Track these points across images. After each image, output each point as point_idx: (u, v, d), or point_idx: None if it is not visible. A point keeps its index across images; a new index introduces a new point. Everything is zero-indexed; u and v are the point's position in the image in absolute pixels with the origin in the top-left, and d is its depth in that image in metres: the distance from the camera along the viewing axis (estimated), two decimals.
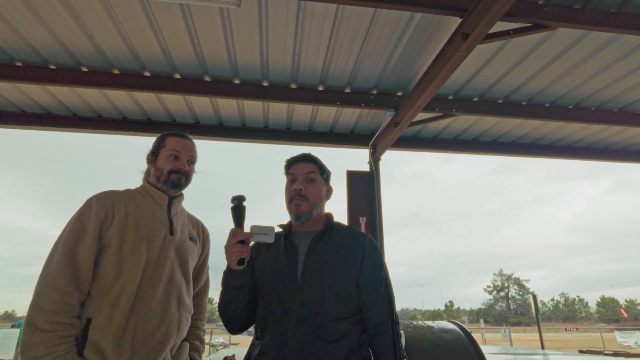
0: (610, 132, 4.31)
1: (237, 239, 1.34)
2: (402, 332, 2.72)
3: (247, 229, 1.38)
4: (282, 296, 1.40)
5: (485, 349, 2.89)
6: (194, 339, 1.76)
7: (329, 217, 1.63)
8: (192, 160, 1.80)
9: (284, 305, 1.38)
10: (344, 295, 1.40)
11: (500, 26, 2.47)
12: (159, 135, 1.82)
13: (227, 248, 1.36)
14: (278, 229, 1.63)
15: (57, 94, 3.48)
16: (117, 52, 2.95)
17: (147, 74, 3.19)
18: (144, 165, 1.82)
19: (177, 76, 3.24)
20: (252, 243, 1.54)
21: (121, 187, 1.76)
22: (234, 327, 1.51)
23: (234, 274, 1.39)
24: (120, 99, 3.56)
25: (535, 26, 2.50)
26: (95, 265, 1.49)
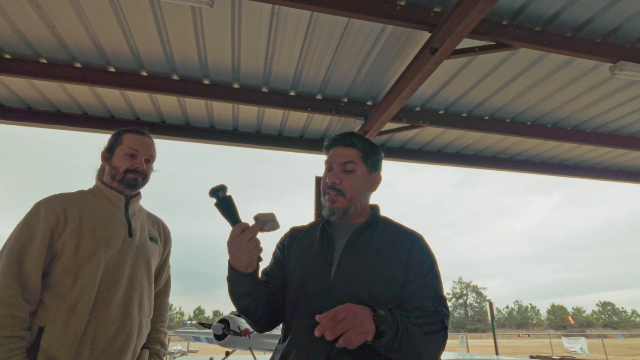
0: (564, 148, 4.58)
1: (254, 231, 1.08)
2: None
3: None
4: (311, 298, 1.18)
5: (443, 355, 2.96)
6: (154, 343, 1.68)
7: (374, 209, 1.38)
8: (150, 159, 1.72)
9: (313, 308, 1.11)
10: (382, 300, 1.14)
11: (466, 43, 2.58)
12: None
13: (238, 247, 1.08)
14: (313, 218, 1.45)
15: (11, 85, 3.27)
16: (80, 45, 2.81)
17: (112, 69, 3.07)
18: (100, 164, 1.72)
19: (144, 73, 3.14)
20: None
21: (78, 187, 1.67)
22: (262, 328, 1.28)
23: (241, 278, 1.13)
24: (82, 94, 3.39)
25: (499, 45, 2.63)
26: (47, 274, 1.41)
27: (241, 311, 1.22)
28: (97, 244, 1.47)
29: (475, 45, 2.67)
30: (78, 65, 3.01)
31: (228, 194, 1.13)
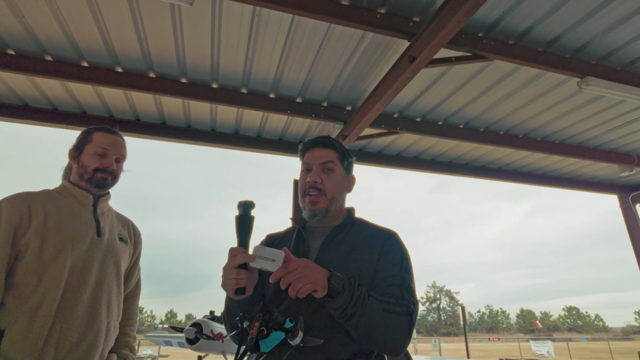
0: (534, 158, 4.75)
1: (237, 262, 1.03)
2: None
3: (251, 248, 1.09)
4: (287, 299, 1.16)
5: (416, 359, 3.00)
6: (123, 347, 1.64)
7: (349, 211, 1.40)
8: (120, 159, 1.68)
9: (290, 308, 1.13)
10: None
11: (444, 53, 2.64)
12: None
13: (224, 272, 1.06)
14: (289, 223, 1.43)
15: None
16: (51, 38, 2.71)
17: (85, 64, 2.98)
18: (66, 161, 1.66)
19: (119, 70, 3.05)
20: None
21: (45, 185, 1.61)
22: None
23: (233, 302, 1.12)
24: (52, 88, 3.27)
25: (474, 56, 2.70)
26: (10, 274, 1.36)
27: (230, 326, 1.21)
28: (63, 243, 1.43)
29: (452, 55, 2.74)
30: (49, 58, 2.90)
31: (253, 213, 1.09)
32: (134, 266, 1.76)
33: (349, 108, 3.67)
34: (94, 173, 1.58)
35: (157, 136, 3.87)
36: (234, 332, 1.15)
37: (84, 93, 3.36)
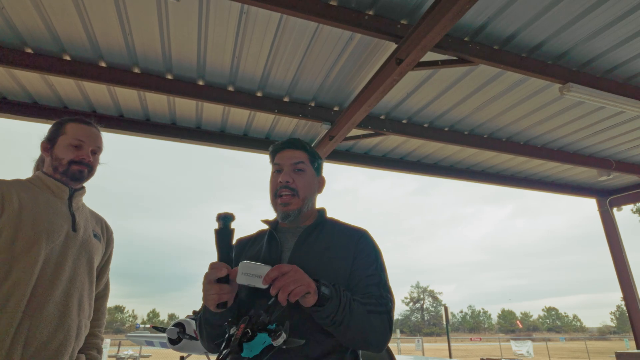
0: (517, 161, 4.84)
1: (218, 275, 1.03)
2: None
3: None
4: (261, 300, 1.14)
5: (399, 359, 3.02)
6: (91, 348, 1.57)
7: (321, 212, 1.40)
8: (96, 151, 1.61)
9: (262, 308, 1.11)
10: None
11: (430, 56, 2.67)
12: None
13: (204, 286, 1.05)
14: (264, 226, 1.40)
15: None
16: (31, 30, 2.64)
17: (67, 57, 2.91)
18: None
19: (102, 64, 2.99)
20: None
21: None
22: (214, 351, 1.23)
23: (212, 314, 1.11)
24: (32, 81, 3.18)
25: (460, 60, 2.74)
26: None
27: (213, 337, 1.18)
28: (37, 235, 1.36)
29: (439, 59, 2.77)
30: (29, 50, 2.82)
31: (233, 226, 1.08)
32: (105, 265, 1.70)
33: (336, 108, 3.68)
34: (69, 165, 1.51)
35: (141, 133, 3.80)
36: (219, 340, 1.11)
37: (66, 87, 3.28)
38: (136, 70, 3.07)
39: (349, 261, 1.23)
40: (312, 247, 1.26)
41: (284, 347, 0.99)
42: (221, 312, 1.09)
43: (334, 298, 1.03)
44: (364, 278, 1.20)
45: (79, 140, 1.54)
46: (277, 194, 1.31)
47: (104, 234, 1.70)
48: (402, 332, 50.00)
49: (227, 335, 1.05)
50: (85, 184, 1.61)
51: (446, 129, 4.03)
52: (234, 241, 1.11)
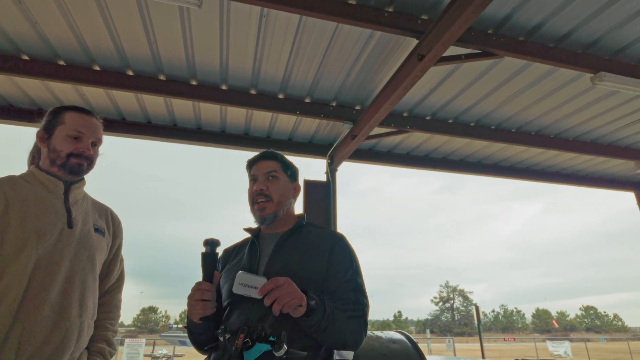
0: (547, 155, 4.66)
1: (202, 297, 1.17)
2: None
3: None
4: (241, 304, 1.25)
5: (430, 359, 2.98)
6: (99, 341, 1.48)
7: (300, 217, 1.50)
8: (97, 143, 1.50)
9: (244, 312, 1.23)
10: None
11: (453, 50, 2.61)
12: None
13: (189, 300, 1.19)
14: (246, 234, 1.51)
15: None
16: (63, 43, 2.77)
17: (97, 68, 3.03)
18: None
19: (130, 73, 3.10)
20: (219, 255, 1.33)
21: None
22: (208, 351, 1.35)
23: (196, 325, 1.25)
24: (65, 92, 3.34)
25: (484, 53, 2.67)
26: None
27: (200, 341, 1.32)
28: (26, 236, 1.28)
29: (461, 53, 2.71)
30: (62, 62, 2.96)
31: (217, 250, 1.23)
32: (114, 258, 1.61)
33: (358, 107, 3.66)
34: (67, 158, 1.41)
35: (169, 138, 3.92)
36: (212, 345, 1.27)
37: (96, 96, 3.42)
38: (162, 78, 3.17)
39: (324, 265, 1.32)
40: (289, 252, 1.35)
41: (285, 357, 1.09)
42: (204, 323, 1.23)
43: (320, 308, 1.15)
44: (342, 284, 1.31)
45: (79, 131, 1.44)
46: (254, 201, 1.43)
47: (110, 225, 1.61)
48: (432, 332, 49.04)
49: (221, 341, 1.18)
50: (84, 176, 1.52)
51: (472, 124, 3.94)
52: (217, 259, 1.26)
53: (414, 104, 3.63)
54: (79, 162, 1.43)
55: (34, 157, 1.51)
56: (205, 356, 1.36)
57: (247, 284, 1.10)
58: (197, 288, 1.19)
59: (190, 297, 1.20)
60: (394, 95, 2.88)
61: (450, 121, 3.87)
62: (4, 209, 1.29)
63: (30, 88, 3.28)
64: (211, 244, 1.21)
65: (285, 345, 1.07)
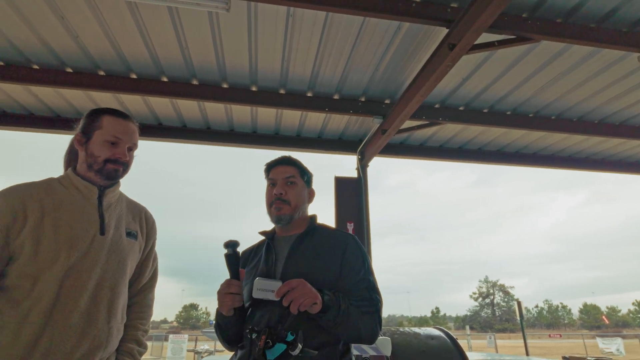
0: (591, 142, 4.41)
1: (231, 291, 1.30)
2: (387, 338, 2.72)
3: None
4: (261, 306, 1.33)
5: (470, 356, 2.91)
6: (128, 341, 1.50)
7: (312, 219, 1.57)
8: (133, 147, 1.50)
9: (263, 314, 1.32)
10: None
11: (485, 37, 2.52)
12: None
13: (219, 295, 1.32)
14: (261, 237, 1.59)
15: (40, 94, 3.41)
16: (103, 54, 2.91)
17: (134, 76, 3.16)
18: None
19: (164, 79, 3.21)
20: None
21: None
22: (232, 346, 1.46)
23: (225, 318, 1.36)
24: (106, 101, 3.51)
25: (519, 38, 2.56)
26: (2, 276, 1.27)
27: (227, 335, 1.41)
28: (59, 245, 1.30)
29: (495, 39, 2.61)
30: (102, 73, 3.11)
31: (238, 249, 1.35)
32: (147, 258, 1.62)
33: (387, 101, 3.61)
34: (104, 164, 1.42)
35: (203, 141, 4.05)
36: (241, 344, 1.37)
37: (134, 103, 3.57)
38: (194, 82, 3.26)
39: (337, 265, 1.40)
40: (304, 254, 1.43)
41: (300, 355, 1.19)
42: (231, 318, 1.34)
43: (335, 305, 1.24)
44: (355, 282, 1.39)
45: (116, 137, 1.43)
46: (272, 204, 1.50)
47: (143, 227, 1.61)
48: (471, 328, 47.67)
49: (249, 340, 1.27)
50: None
51: (508, 113, 3.78)
52: (239, 259, 1.36)
53: (446, 95, 3.54)
54: (115, 167, 1.44)
55: (70, 160, 1.52)
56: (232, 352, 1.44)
57: (265, 288, 1.22)
58: (227, 284, 1.31)
59: (219, 292, 1.31)
60: (425, 87, 2.82)
61: (485, 111, 3.74)
62: (40, 217, 1.31)
63: (75, 99, 3.48)
64: (232, 245, 1.33)
65: (300, 345, 1.18)
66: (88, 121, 1.47)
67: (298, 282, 1.21)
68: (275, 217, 1.49)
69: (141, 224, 1.61)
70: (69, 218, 1.35)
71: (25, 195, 1.34)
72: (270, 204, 1.51)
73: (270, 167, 1.58)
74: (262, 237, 1.60)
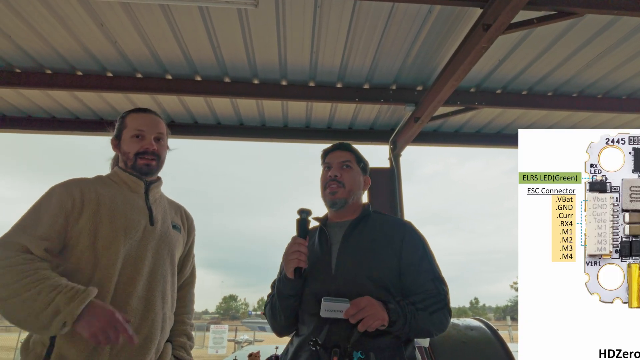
0: None
1: (297, 248, 1.32)
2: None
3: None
4: (317, 290, 1.34)
5: (512, 347, 2.82)
6: (179, 335, 1.58)
7: (366, 206, 1.56)
8: (160, 137, 1.57)
9: (320, 298, 1.29)
10: (383, 284, 1.32)
11: (523, 15, 2.39)
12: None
13: (286, 254, 1.34)
14: (314, 223, 1.57)
15: (84, 99, 3.60)
16: (140, 57, 3.02)
17: (169, 77, 3.26)
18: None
19: (198, 78, 3.30)
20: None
21: None
22: (283, 331, 1.47)
23: (288, 282, 1.36)
24: (144, 102, 3.64)
25: (560, 14, 2.41)
26: (62, 263, 1.33)
27: (283, 308, 1.40)
28: (115, 232, 1.37)
29: (533, 16, 2.47)
30: (139, 75, 3.23)
31: (310, 218, 1.41)
32: (188, 254, 1.70)
33: (419, 88, 3.53)
34: (135, 159, 1.50)
35: (236, 137, 4.12)
36: (298, 344, 1.37)
37: (171, 104, 3.69)
38: (227, 80, 3.32)
39: (396, 253, 1.37)
40: (359, 240, 1.41)
41: None
42: (291, 283, 1.34)
43: (401, 319, 1.22)
44: (419, 275, 1.36)
45: (139, 130, 1.51)
46: (327, 186, 1.50)
47: (185, 223, 1.69)
48: (512, 319, 46.32)
49: (309, 350, 1.28)
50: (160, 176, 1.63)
51: (550, 94, 3.60)
52: (310, 226, 1.40)
53: (482, 78, 3.40)
54: (146, 162, 1.51)
55: (114, 163, 1.65)
56: (289, 338, 1.45)
57: (333, 309, 1.24)
58: (294, 242, 1.33)
59: (286, 252, 1.34)
60: (459, 71, 2.72)
61: (524, 93, 3.58)
62: (97, 206, 1.40)
63: (115, 101, 3.64)
64: (305, 212, 1.37)
65: None
66: (117, 124, 1.59)
67: (366, 302, 1.20)
68: (330, 200, 1.49)
69: (182, 220, 1.69)
70: (123, 208, 1.44)
71: (83, 186, 1.43)
72: (325, 186, 1.51)
73: (327, 153, 1.59)
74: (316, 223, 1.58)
